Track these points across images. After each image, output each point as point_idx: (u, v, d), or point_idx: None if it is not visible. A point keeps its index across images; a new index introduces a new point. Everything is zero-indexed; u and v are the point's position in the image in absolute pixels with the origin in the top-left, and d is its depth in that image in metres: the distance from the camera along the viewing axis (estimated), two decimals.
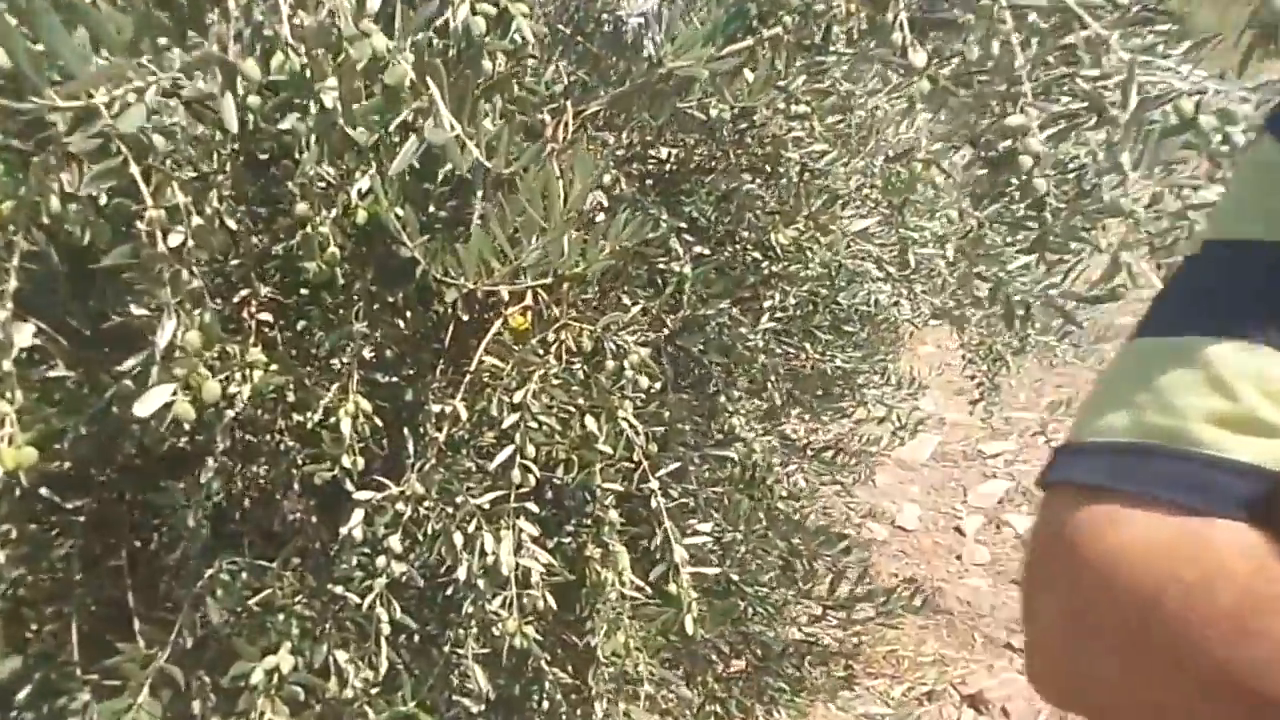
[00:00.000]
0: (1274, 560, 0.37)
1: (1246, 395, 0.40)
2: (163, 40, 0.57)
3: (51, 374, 0.97)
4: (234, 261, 1.08)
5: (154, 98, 0.58)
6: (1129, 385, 0.44)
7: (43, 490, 1.10)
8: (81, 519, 1.16)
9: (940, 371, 3.28)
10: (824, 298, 1.70)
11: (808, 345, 1.75)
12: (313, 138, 0.68)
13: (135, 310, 0.71)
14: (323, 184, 0.90)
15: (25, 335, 0.73)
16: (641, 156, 1.44)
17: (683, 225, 1.25)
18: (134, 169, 0.69)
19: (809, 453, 1.85)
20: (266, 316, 1.10)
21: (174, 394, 0.71)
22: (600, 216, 1.15)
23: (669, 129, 1.45)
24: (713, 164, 1.42)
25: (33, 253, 0.78)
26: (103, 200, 0.75)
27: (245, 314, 1.08)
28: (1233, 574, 0.37)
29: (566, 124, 1.26)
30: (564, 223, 0.87)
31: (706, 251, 1.31)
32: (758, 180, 1.42)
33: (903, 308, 2.07)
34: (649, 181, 1.46)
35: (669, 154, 1.45)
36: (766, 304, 1.56)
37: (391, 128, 0.68)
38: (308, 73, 0.61)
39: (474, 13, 0.90)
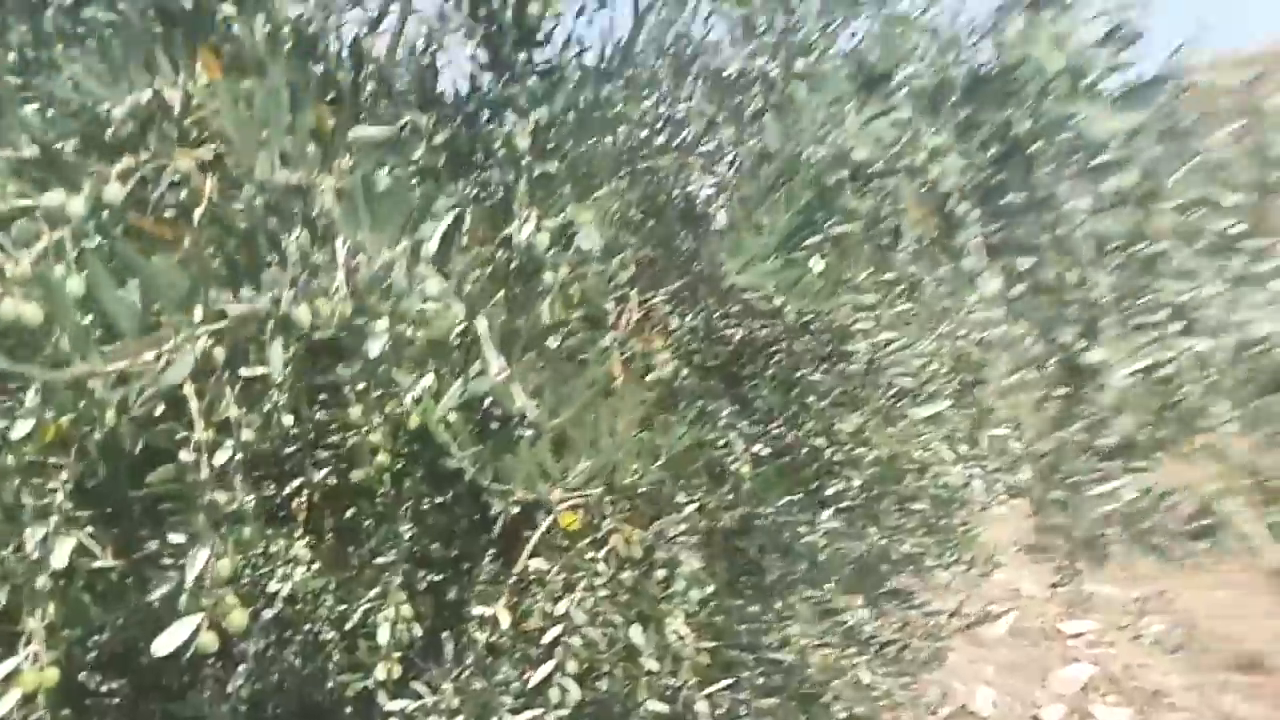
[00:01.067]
0: None
1: None
2: (215, 292, 0.57)
3: (96, 564, 0.95)
4: (288, 449, 1.07)
5: (203, 346, 0.58)
6: None
7: (80, 675, 1.08)
8: (116, 701, 1.13)
9: (1015, 543, 3.13)
10: (890, 483, 1.63)
11: (872, 530, 1.67)
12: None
13: (171, 538, 0.69)
14: (377, 390, 0.90)
15: (63, 555, 0.72)
16: (708, 337, 1.43)
17: (741, 421, 1.21)
18: (186, 387, 0.69)
19: (873, 647, 1.73)
20: (315, 503, 1.09)
21: (198, 627, 0.68)
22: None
23: (733, 312, 1.44)
24: (777, 350, 1.40)
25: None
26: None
27: (295, 504, 1.07)
28: None
29: (631, 311, 1.25)
30: (613, 445, 0.84)
31: (766, 449, 1.26)
32: (823, 367, 1.38)
33: (974, 487, 1.98)
34: (712, 365, 1.44)
35: (733, 335, 1.44)
36: (830, 492, 1.49)
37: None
38: (358, 319, 0.60)
39: (538, 229, 0.91)
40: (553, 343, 0.95)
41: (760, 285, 0.95)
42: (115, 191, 0.66)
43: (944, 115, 0.82)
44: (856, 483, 1.42)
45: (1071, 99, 0.72)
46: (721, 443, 1.19)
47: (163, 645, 0.66)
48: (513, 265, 0.90)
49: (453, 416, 0.92)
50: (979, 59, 0.81)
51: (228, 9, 0.87)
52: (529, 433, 0.95)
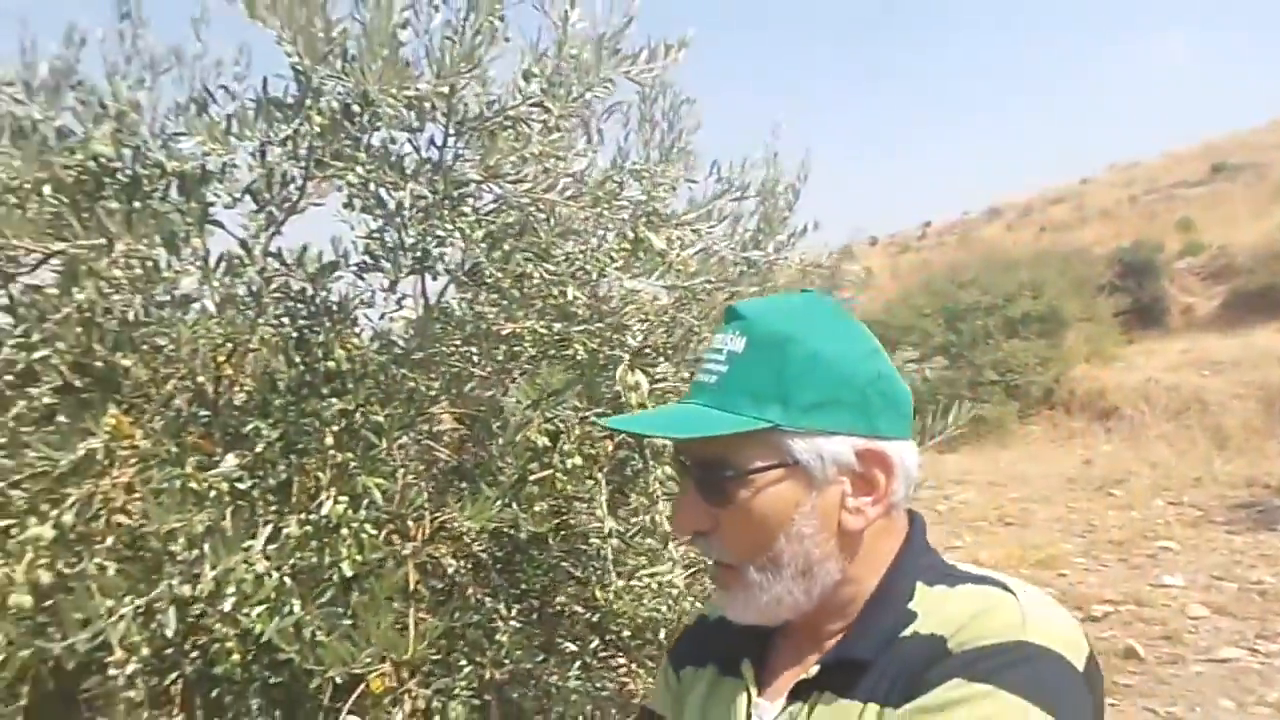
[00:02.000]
0: None
1: None
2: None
3: None
4: (167, 650, 1.53)
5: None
6: None
7: None
8: None
9: None
10: (646, 632, 2.16)
11: (608, 676, 2.18)
12: None
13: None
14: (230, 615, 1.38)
15: None
16: (490, 539, 1.96)
17: (502, 607, 1.74)
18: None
19: None
20: (187, 688, 1.54)
21: None
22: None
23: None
24: (539, 550, 1.94)
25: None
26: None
27: (171, 690, 1.52)
28: None
29: (424, 529, 1.78)
30: (387, 632, 1.35)
31: (527, 621, 1.78)
32: (572, 560, 1.93)
33: None
34: (494, 559, 1.96)
35: (506, 541, 1.97)
36: (574, 647, 2.01)
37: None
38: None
39: (335, 502, 1.44)
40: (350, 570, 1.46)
41: (485, 524, 1.50)
42: (68, 518, 1.16)
43: None
44: (595, 641, 1.95)
45: None
46: (485, 622, 1.71)
47: None
48: (319, 528, 1.42)
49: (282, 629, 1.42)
50: None
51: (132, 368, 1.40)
52: (336, 631, 1.45)
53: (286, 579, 1.22)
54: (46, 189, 1.40)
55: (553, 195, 1.88)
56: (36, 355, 1.39)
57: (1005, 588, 0.85)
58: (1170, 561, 6.40)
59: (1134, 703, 4.26)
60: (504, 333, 2.15)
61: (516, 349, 2.14)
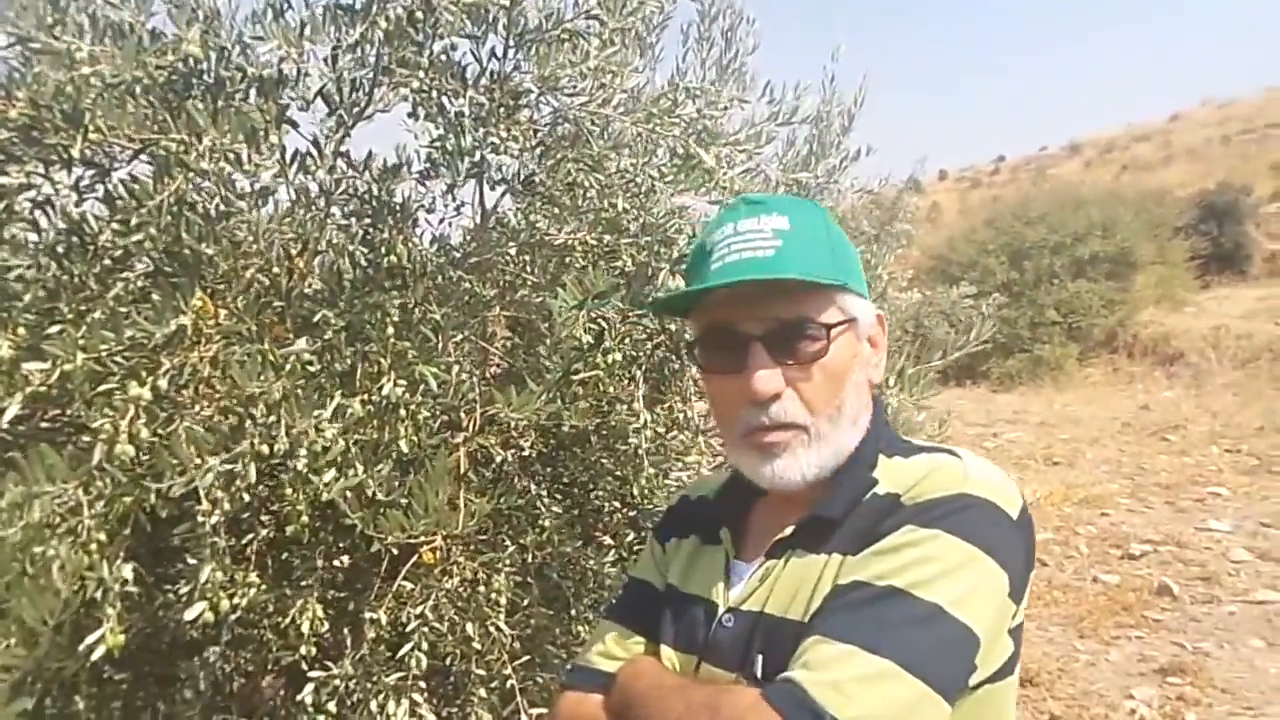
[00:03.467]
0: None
1: (605, 644, 1.03)
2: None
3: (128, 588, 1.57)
4: (245, 515, 1.71)
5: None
6: (589, 640, 1.08)
7: (106, 666, 1.68)
8: (125, 687, 1.73)
9: None
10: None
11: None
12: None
13: (186, 562, 1.33)
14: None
15: (128, 572, 1.35)
16: (537, 435, 2.09)
17: (544, 495, 1.88)
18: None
19: None
20: (262, 549, 1.72)
21: (204, 610, 1.32)
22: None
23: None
24: (581, 448, 2.07)
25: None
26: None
27: (249, 550, 1.70)
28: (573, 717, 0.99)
29: (475, 420, 1.92)
30: (440, 507, 1.49)
31: (567, 510, 1.93)
32: (611, 457, 2.06)
33: None
34: (539, 453, 2.10)
35: (551, 437, 2.10)
36: (627, 540, 2.15)
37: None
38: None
39: (394, 384, 1.57)
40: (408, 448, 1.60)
41: (529, 418, 1.63)
42: (164, 384, 1.31)
43: None
44: (630, 535, 2.08)
45: None
46: (529, 507, 1.86)
47: (189, 614, 1.29)
48: (380, 408, 1.56)
49: (348, 494, 1.58)
50: None
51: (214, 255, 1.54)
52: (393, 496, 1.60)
53: (352, 447, 1.36)
54: (140, 87, 1.52)
55: (607, 109, 1.95)
56: (132, 239, 1.54)
57: (953, 454, 0.99)
58: (1219, 507, 6.36)
59: (1162, 637, 4.33)
60: (556, 243, 2.26)
61: (567, 259, 2.24)
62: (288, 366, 1.35)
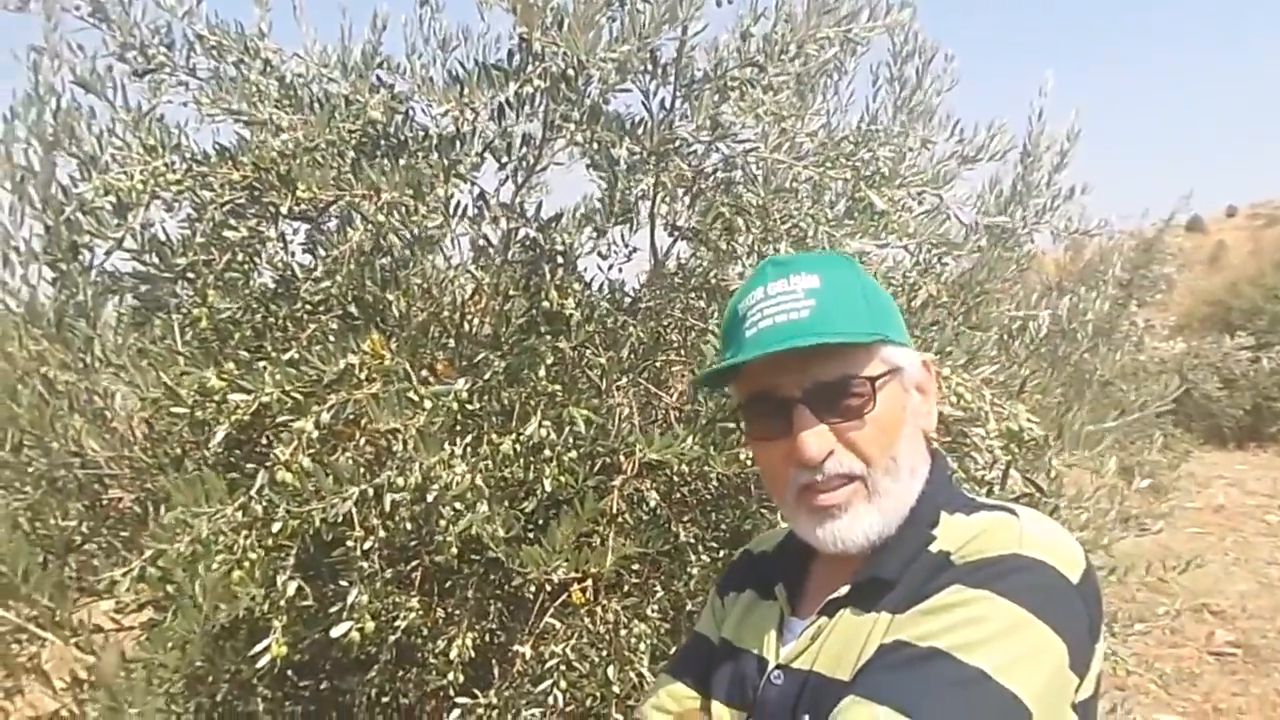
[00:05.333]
0: None
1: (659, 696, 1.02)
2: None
3: (301, 603, 1.72)
4: (412, 543, 1.82)
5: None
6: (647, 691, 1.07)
7: (289, 671, 1.85)
8: (306, 693, 1.89)
9: None
10: None
11: None
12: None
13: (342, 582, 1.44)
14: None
15: (291, 590, 1.48)
16: (691, 481, 2.08)
17: (695, 542, 1.86)
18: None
19: None
20: (423, 576, 1.82)
21: (351, 628, 1.42)
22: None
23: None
24: (740, 493, 2.04)
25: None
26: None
27: (412, 575, 1.81)
28: None
29: (634, 463, 1.94)
30: (574, 547, 1.52)
31: (718, 559, 1.89)
32: (769, 507, 2.00)
33: None
34: (699, 500, 2.09)
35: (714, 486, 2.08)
36: None
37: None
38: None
39: (540, 426, 1.63)
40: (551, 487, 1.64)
41: (670, 459, 1.62)
42: (326, 418, 1.44)
43: None
44: None
45: None
46: (676, 552, 1.84)
47: (336, 631, 1.39)
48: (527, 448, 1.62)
49: (489, 528, 1.64)
50: None
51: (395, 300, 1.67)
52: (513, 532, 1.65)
53: (480, 482, 1.42)
54: (334, 150, 1.70)
55: (778, 155, 1.94)
56: (321, 286, 1.71)
57: (1012, 512, 0.93)
58: None
59: None
60: (731, 288, 2.25)
61: None
62: (429, 405, 1.43)
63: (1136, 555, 2.45)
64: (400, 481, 1.38)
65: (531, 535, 1.69)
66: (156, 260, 1.78)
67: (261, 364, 1.65)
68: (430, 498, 1.40)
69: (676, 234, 2.15)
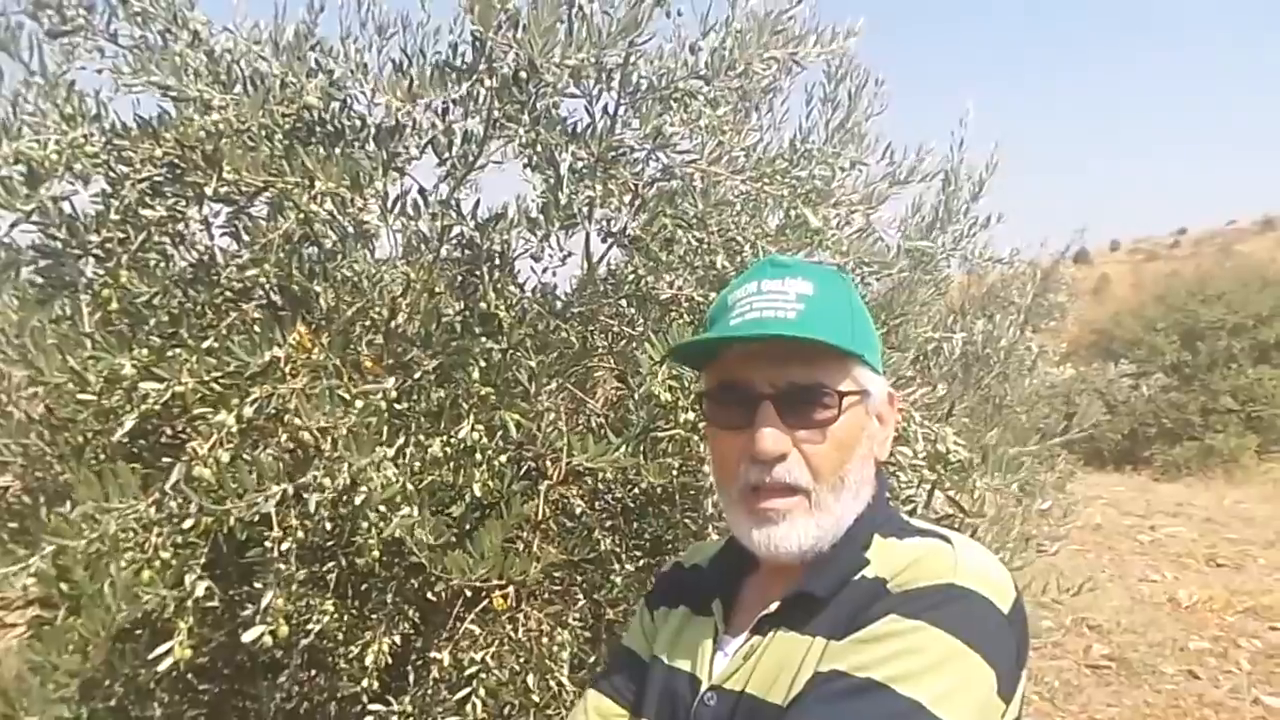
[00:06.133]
0: None
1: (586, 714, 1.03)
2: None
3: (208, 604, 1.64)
4: (329, 544, 1.76)
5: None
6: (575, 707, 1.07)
7: (189, 675, 1.76)
8: (206, 698, 1.81)
9: None
10: None
11: None
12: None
13: (256, 584, 1.38)
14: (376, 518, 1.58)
15: (201, 590, 1.41)
16: (616, 489, 2.08)
17: (619, 550, 1.85)
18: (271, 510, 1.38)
19: None
20: (339, 579, 1.77)
21: (264, 632, 1.36)
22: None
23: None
24: (669, 506, 2.04)
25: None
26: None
27: (327, 578, 1.75)
28: None
29: (561, 469, 1.92)
30: (500, 552, 1.49)
31: (641, 569, 1.89)
32: (693, 517, 2.02)
33: None
34: (624, 508, 2.08)
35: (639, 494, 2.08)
36: None
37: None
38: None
39: (472, 429, 1.60)
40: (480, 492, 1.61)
41: (601, 467, 1.61)
42: (249, 412, 1.38)
43: None
44: None
45: None
46: (600, 560, 1.83)
47: (249, 635, 1.33)
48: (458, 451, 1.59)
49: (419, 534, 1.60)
50: None
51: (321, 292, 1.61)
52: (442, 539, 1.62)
53: (409, 486, 1.39)
54: (265, 133, 1.63)
55: (716, 168, 1.95)
56: (246, 274, 1.64)
57: (946, 540, 0.95)
58: None
59: None
60: (662, 297, 2.25)
61: (673, 312, 2.23)
62: (359, 404, 1.39)
63: (1026, 573, 2.55)
64: (326, 482, 1.33)
65: (455, 540, 1.65)
66: (65, 235, 1.68)
67: (176, 351, 1.57)
68: (358, 500, 1.36)
69: (612, 240, 2.14)
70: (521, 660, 1.72)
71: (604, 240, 2.18)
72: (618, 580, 1.86)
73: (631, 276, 2.28)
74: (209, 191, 1.66)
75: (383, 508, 1.38)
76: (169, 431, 1.66)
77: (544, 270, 2.11)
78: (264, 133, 1.65)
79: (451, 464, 1.59)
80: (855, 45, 1.99)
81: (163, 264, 1.73)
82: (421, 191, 1.72)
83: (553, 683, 1.70)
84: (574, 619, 1.79)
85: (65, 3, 1.76)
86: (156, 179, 1.71)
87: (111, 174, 1.67)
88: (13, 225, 1.60)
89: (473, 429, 1.58)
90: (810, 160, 2.22)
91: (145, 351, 1.58)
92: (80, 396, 1.51)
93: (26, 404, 1.74)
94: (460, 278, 1.78)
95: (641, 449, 1.73)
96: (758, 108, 2.43)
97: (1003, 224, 2.73)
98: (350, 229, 1.63)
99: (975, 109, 2.61)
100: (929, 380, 2.62)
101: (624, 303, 2.27)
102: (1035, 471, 3.61)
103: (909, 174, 2.26)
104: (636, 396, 1.88)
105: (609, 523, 1.96)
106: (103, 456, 1.66)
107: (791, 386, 0.93)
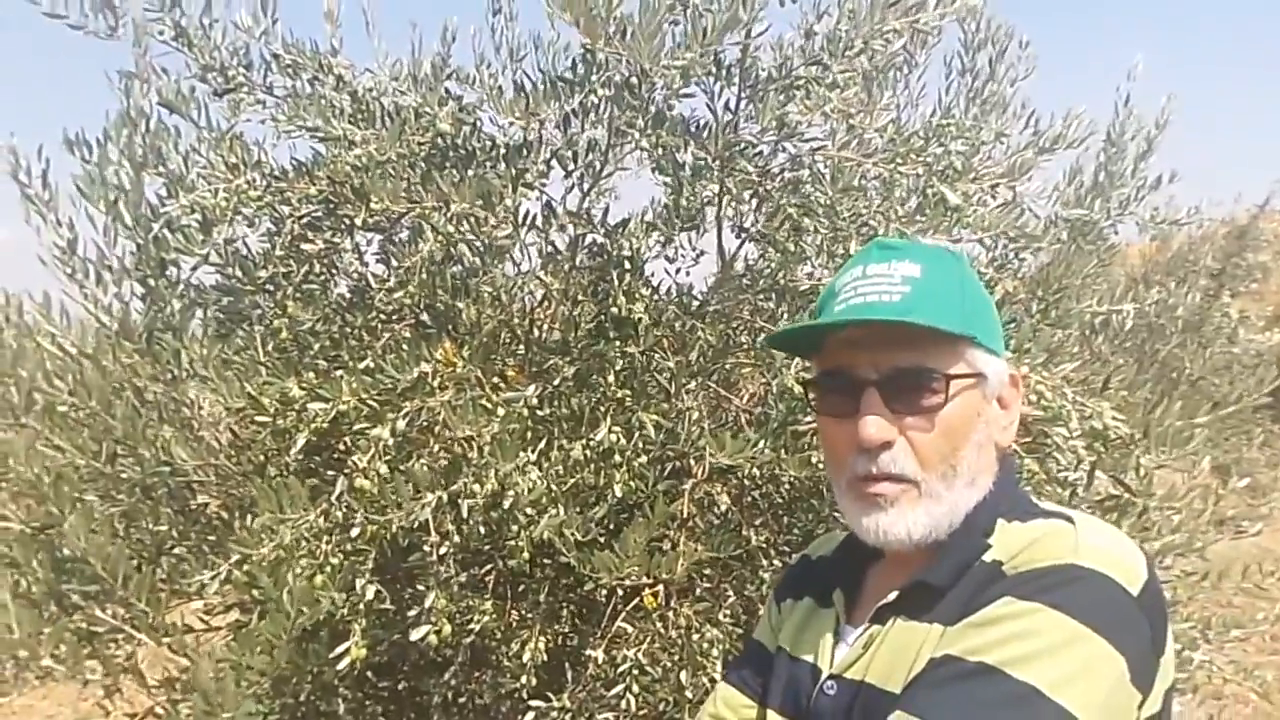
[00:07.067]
0: None
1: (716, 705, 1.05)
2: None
3: (379, 606, 1.76)
4: (486, 547, 1.85)
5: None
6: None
7: (368, 673, 1.89)
8: (386, 694, 1.94)
9: None
10: None
11: None
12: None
13: (420, 587, 1.46)
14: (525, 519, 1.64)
15: (370, 593, 1.51)
16: (763, 485, 2.06)
17: (767, 547, 1.84)
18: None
19: None
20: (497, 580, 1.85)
21: (429, 631, 1.44)
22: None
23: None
24: (812, 496, 2.01)
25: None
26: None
27: (485, 579, 1.84)
28: None
29: (704, 467, 1.94)
30: (646, 552, 1.52)
31: (790, 560, 1.87)
32: (837, 509, 1.98)
33: None
34: (771, 504, 2.07)
35: (786, 489, 2.06)
36: None
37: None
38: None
39: (610, 431, 1.63)
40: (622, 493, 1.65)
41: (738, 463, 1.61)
42: (402, 425, 1.47)
43: None
44: None
45: None
46: (749, 558, 1.83)
47: (415, 635, 1.42)
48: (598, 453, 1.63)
49: (565, 532, 1.65)
50: None
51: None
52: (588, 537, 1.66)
53: (554, 489, 1.44)
54: (405, 162, 1.74)
55: (846, 153, 1.91)
56: (394, 295, 1.75)
57: (1069, 520, 0.89)
58: None
59: None
60: (802, 288, 2.23)
61: (813, 303, 2.20)
62: (501, 412, 1.45)
63: (1233, 558, 2.34)
64: (476, 488, 1.40)
65: (603, 540, 1.70)
66: (239, 274, 1.85)
67: (339, 373, 1.70)
68: (506, 504, 1.42)
69: (744, 236, 2.14)
70: (674, 657, 1.75)
71: (736, 236, 2.18)
72: (766, 576, 1.85)
73: (767, 271, 2.26)
74: (359, 222, 1.78)
75: (530, 510, 1.44)
76: (338, 448, 1.79)
77: (677, 271, 2.14)
78: (403, 162, 1.76)
79: (592, 466, 1.63)
80: (990, 10, 1.90)
81: (323, 293, 1.87)
82: (549, 204, 1.77)
83: (705, 679, 1.71)
84: (724, 616, 1.79)
85: (228, 63, 1.94)
86: (314, 215, 1.86)
87: (274, 214, 1.83)
88: (194, 268, 1.78)
89: (610, 431, 1.61)
90: (947, 136, 2.13)
91: (311, 375, 1.72)
92: (258, 419, 1.65)
93: (216, 428, 1.92)
94: (593, 285, 1.82)
95: (781, 443, 1.72)
96: (891, 85, 2.36)
97: (1188, 182, 2.52)
98: (485, 245, 1.71)
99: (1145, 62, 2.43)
100: (1097, 356, 2.46)
101: (762, 297, 2.26)
102: (1230, 448, 3.31)
103: (1055, 141, 2.13)
104: (774, 390, 1.87)
105: (758, 519, 1.95)
106: (282, 473, 1.81)
107: (895, 371, 0.90)
